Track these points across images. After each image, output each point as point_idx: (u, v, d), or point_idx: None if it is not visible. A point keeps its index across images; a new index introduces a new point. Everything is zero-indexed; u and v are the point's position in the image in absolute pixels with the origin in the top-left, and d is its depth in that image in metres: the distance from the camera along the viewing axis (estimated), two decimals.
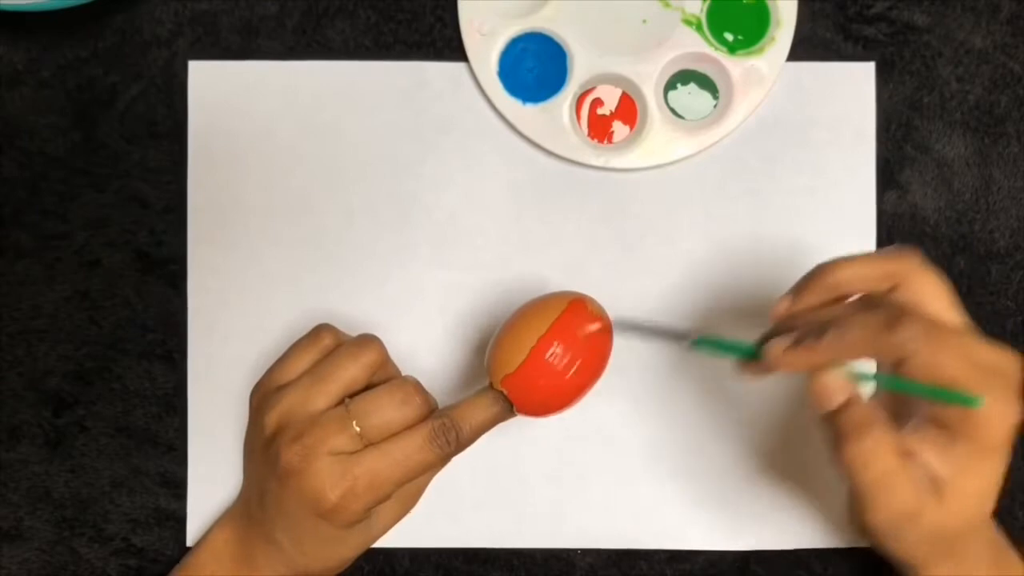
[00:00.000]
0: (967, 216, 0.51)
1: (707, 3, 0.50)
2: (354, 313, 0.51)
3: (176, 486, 0.51)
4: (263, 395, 0.44)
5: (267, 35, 0.51)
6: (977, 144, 0.51)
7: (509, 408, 0.42)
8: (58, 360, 0.51)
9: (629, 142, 0.51)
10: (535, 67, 0.51)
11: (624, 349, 0.51)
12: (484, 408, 0.42)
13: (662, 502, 0.51)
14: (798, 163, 0.51)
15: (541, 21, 0.50)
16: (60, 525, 0.51)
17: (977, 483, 0.38)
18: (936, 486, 0.37)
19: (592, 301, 0.43)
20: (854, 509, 0.38)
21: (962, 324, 0.39)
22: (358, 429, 0.41)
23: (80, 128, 0.51)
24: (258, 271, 0.51)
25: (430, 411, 0.42)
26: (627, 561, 0.51)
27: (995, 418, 0.36)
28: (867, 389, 0.39)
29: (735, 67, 0.50)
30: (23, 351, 0.51)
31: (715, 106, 0.51)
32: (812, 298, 0.40)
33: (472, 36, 0.51)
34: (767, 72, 0.50)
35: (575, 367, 0.41)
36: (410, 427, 0.41)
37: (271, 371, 0.45)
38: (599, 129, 0.51)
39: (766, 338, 0.40)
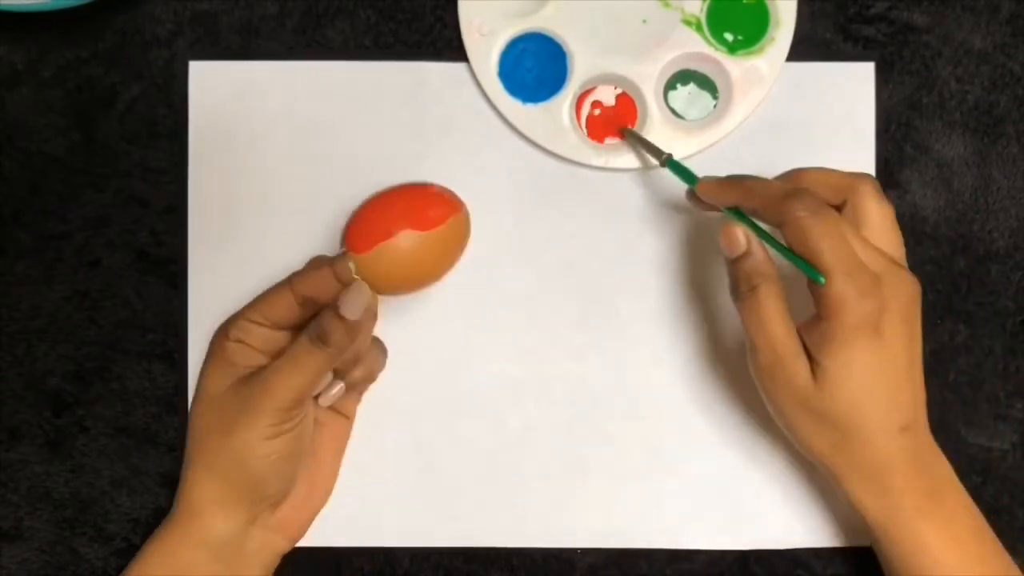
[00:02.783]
0: (967, 216, 0.51)
1: (707, 3, 0.50)
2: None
3: (176, 486, 0.51)
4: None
5: (267, 35, 0.51)
6: (976, 144, 0.51)
7: (345, 257, 0.43)
8: (58, 360, 0.51)
9: (630, 141, 0.51)
10: (535, 67, 0.51)
11: (624, 349, 0.51)
12: (321, 269, 0.44)
13: (662, 502, 0.51)
14: (798, 163, 0.51)
15: (541, 21, 0.50)
16: (60, 525, 0.51)
17: (841, 368, 0.41)
18: (811, 359, 0.42)
19: (448, 192, 0.46)
20: (748, 357, 0.44)
21: (895, 244, 0.44)
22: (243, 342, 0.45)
23: (80, 128, 0.51)
24: (258, 271, 0.51)
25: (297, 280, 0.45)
26: (627, 561, 0.51)
27: (846, 303, 0.40)
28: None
29: (735, 67, 0.50)
30: (23, 351, 0.51)
31: (715, 106, 0.51)
32: (727, 192, 0.45)
33: (472, 36, 0.51)
34: (767, 72, 0.50)
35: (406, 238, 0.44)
36: None
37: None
38: (599, 129, 0.51)
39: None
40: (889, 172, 0.51)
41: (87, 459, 0.51)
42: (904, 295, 0.42)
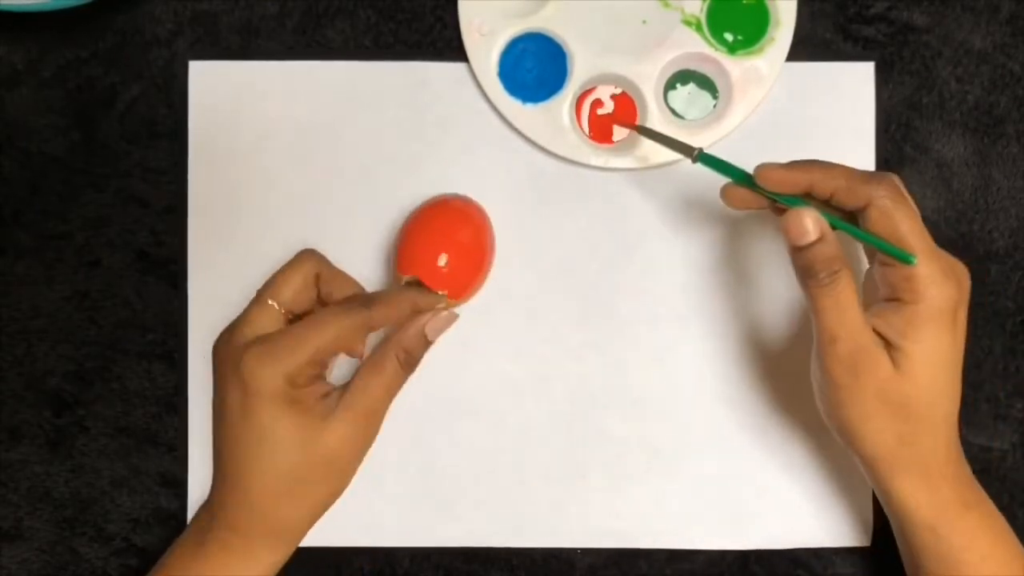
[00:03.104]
0: (966, 216, 0.51)
1: (707, 3, 0.50)
2: None
3: (176, 486, 0.51)
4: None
5: (267, 35, 0.51)
6: (976, 144, 0.51)
7: (422, 290, 0.46)
8: (58, 360, 0.51)
9: (629, 142, 0.51)
10: (535, 67, 0.51)
11: (624, 349, 0.51)
12: (400, 288, 0.46)
13: (662, 502, 0.51)
14: None
15: (541, 21, 0.51)
16: (60, 525, 0.51)
17: (924, 348, 0.41)
18: (891, 347, 0.41)
19: (467, 203, 0.49)
20: (819, 352, 0.42)
21: (926, 245, 0.42)
22: (273, 303, 0.44)
23: (80, 128, 0.51)
24: (258, 271, 0.51)
25: (331, 266, 0.46)
26: (627, 561, 0.51)
27: (932, 285, 0.41)
28: None
29: (735, 67, 0.50)
30: (23, 351, 0.51)
31: (715, 106, 0.51)
32: (798, 176, 0.43)
33: (472, 36, 0.51)
34: (767, 72, 0.50)
35: (446, 255, 0.46)
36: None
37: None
38: (599, 129, 0.51)
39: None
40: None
41: (87, 459, 0.51)
42: (968, 284, 0.43)
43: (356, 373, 0.44)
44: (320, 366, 0.43)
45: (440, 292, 0.46)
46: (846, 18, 0.51)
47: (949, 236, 0.51)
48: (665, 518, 0.51)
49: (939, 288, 0.41)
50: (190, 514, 0.50)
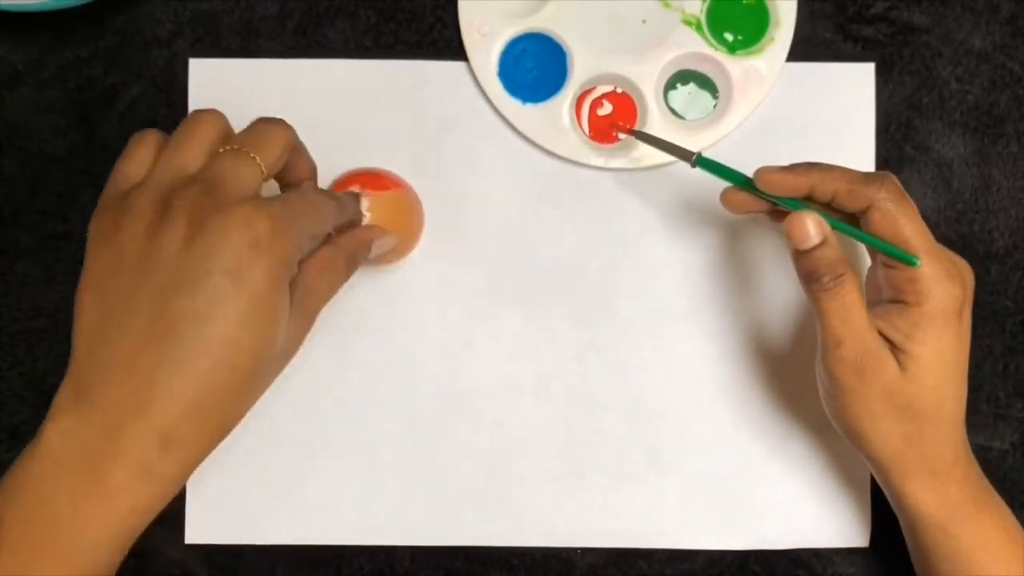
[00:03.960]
0: (967, 216, 0.51)
1: (707, 3, 0.50)
2: (352, 311, 0.51)
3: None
4: (111, 207, 0.37)
5: (267, 35, 0.51)
6: (977, 144, 0.51)
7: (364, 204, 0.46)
8: (58, 360, 0.51)
9: (629, 142, 0.51)
10: (535, 67, 0.51)
11: (623, 350, 0.51)
12: (348, 196, 0.45)
13: (662, 502, 0.51)
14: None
15: (541, 21, 0.51)
16: None
17: (930, 349, 0.41)
18: (896, 349, 0.41)
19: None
20: (824, 355, 0.42)
21: (929, 244, 0.42)
22: (258, 159, 0.38)
23: (80, 128, 0.51)
24: None
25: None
26: (627, 561, 0.51)
27: (936, 286, 0.41)
28: None
29: (735, 67, 0.50)
30: (23, 351, 0.51)
31: (715, 106, 0.51)
32: (798, 179, 0.43)
33: (472, 36, 0.51)
34: (767, 72, 0.50)
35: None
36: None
37: (105, 191, 0.38)
38: (599, 129, 0.51)
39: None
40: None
41: None
42: (972, 280, 0.43)
43: (304, 272, 0.39)
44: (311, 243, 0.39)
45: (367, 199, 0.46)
46: (846, 18, 0.51)
47: (949, 236, 0.51)
48: (665, 518, 0.51)
49: (943, 289, 0.41)
50: (189, 514, 0.50)
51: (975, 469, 0.44)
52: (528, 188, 0.51)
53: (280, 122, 0.41)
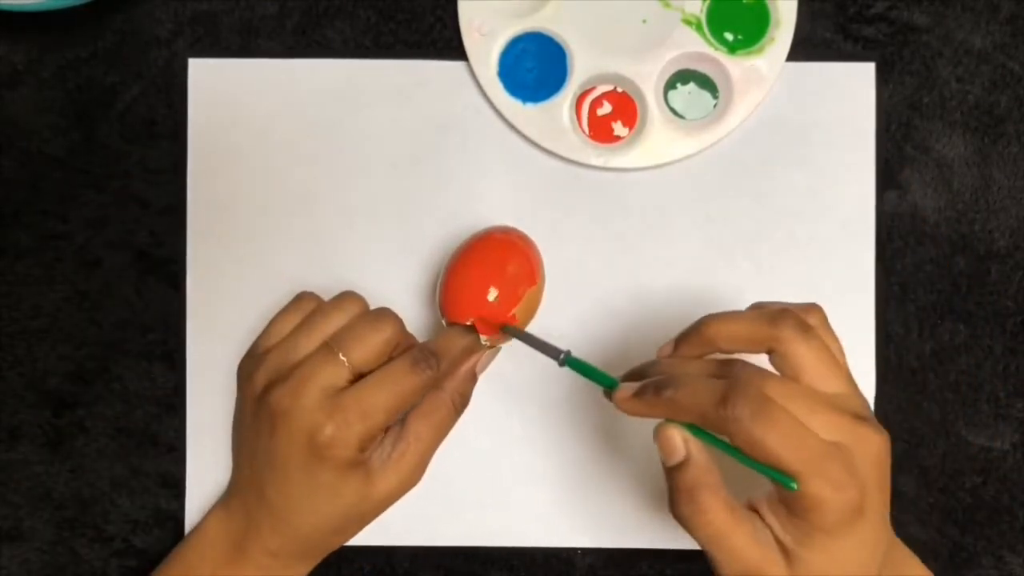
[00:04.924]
0: (967, 216, 0.51)
1: (707, 3, 0.50)
2: None
3: (176, 486, 0.51)
4: (248, 361, 0.45)
5: (267, 35, 0.51)
6: (977, 144, 0.51)
7: (477, 337, 0.45)
8: (58, 360, 0.51)
9: (629, 142, 0.51)
10: (535, 67, 0.51)
11: (623, 349, 0.51)
12: (455, 337, 0.45)
13: (662, 502, 0.51)
14: (798, 163, 0.51)
15: (541, 21, 0.50)
16: (60, 525, 0.51)
17: (823, 558, 0.37)
18: (784, 551, 0.37)
19: (519, 235, 0.47)
20: (708, 559, 0.38)
21: (832, 393, 0.38)
22: (344, 360, 0.42)
23: (80, 128, 0.51)
24: (258, 271, 0.51)
25: (405, 334, 0.45)
26: (627, 561, 0.51)
27: (822, 502, 0.36)
28: None
29: (735, 67, 0.50)
30: (23, 351, 0.51)
31: (715, 106, 0.51)
32: (691, 349, 0.41)
33: (472, 36, 0.51)
34: (767, 72, 0.50)
35: (509, 295, 0.46)
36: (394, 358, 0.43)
37: (256, 341, 0.46)
38: (599, 129, 0.51)
39: (632, 375, 0.41)
40: (889, 172, 0.51)
41: (87, 459, 0.51)
42: (872, 458, 0.37)
43: (409, 421, 0.43)
44: (389, 425, 0.43)
45: (485, 339, 0.45)
46: (846, 18, 0.51)
47: (949, 236, 0.51)
48: (665, 518, 0.51)
49: (832, 503, 0.36)
50: (188, 514, 0.50)
51: None
52: (528, 188, 0.51)
53: (388, 321, 0.43)
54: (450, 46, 0.51)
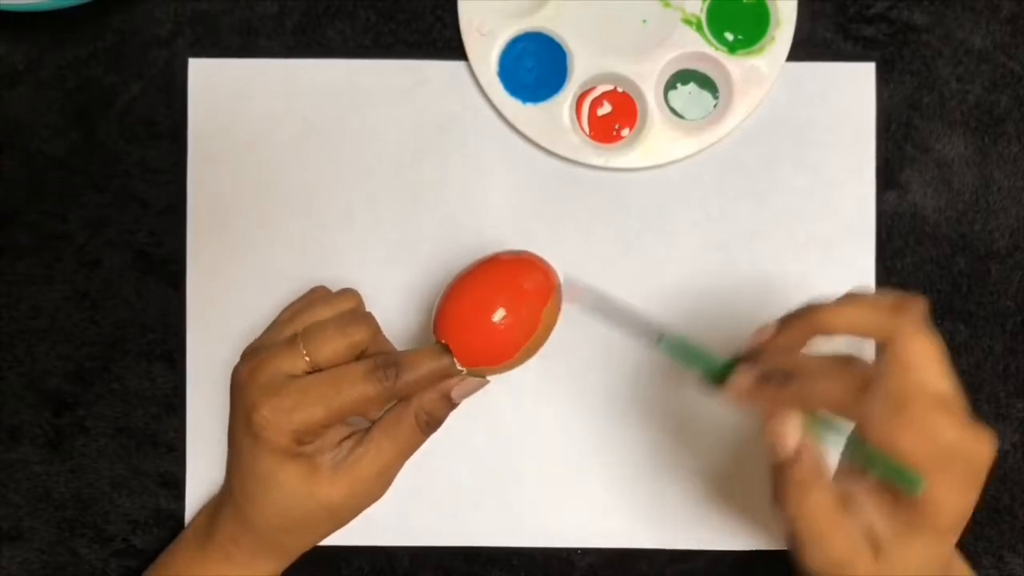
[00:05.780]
0: (967, 216, 0.51)
1: (707, 3, 0.50)
2: None
3: (176, 486, 0.51)
4: (242, 356, 0.44)
5: (267, 35, 0.51)
6: (977, 144, 0.51)
7: (451, 360, 0.42)
8: (58, 360, 0.51)
9: (629, 142, 0.51)
10: (535, 67, 0.51)
11: (623, 348, 0.51)
12: (426, 355, 0.41)
13: (662, 502, 0.51)
14: (798, 163, 0.51)
15: (541, 21, 0.50)
16: (60, 525, 0.51)
17: (915, 555, 0.37)
18: (874, 543, 0.37)
19: (538, 260, 0.44)
20: (793, 551, 0.38)
21: (947, 393, 0.37)
22: (306, 355, 0.41)
23: (80, 128, 0.51)
24: (258, 271, 0.51)
25: (380, 340, 0.44)
26: (627, 561, 0.51)
27: (943, 505, 0.36)
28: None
29: (735, 67, 0.50)
30: (23, 351, 0.51)
31: (715, 106, 0.51)
32: (797, 335, 0.39)
33: (472, 36, 0.51)
34: (767, 72, 0.50)
35: (505, 317, 0.42)
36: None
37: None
38: (599, 129, 0.51)
39: (735, 360, 0.40)
40: (889, 172, 0.51)
41: (87, 459, 0.51)
42: (986, 461, 0.37)
43: (372, 430, 0.42)
44: (333, 425, 0.42)
45: (462, 368, 0.42)
46: (846, 18, 0.51)
47: (949, 236, 0.51)
48: (665, 518, 0.51)
49: (950, 509, 0.36)
50: (188, 515, 0.50)
51: None
52: (528, 188, 0.51)
53: (360, 326, 0.42)
54: (450, 46, 0.51)
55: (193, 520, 0.49)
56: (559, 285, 0.44)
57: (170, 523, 0.51)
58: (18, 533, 0.51)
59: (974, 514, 0.51)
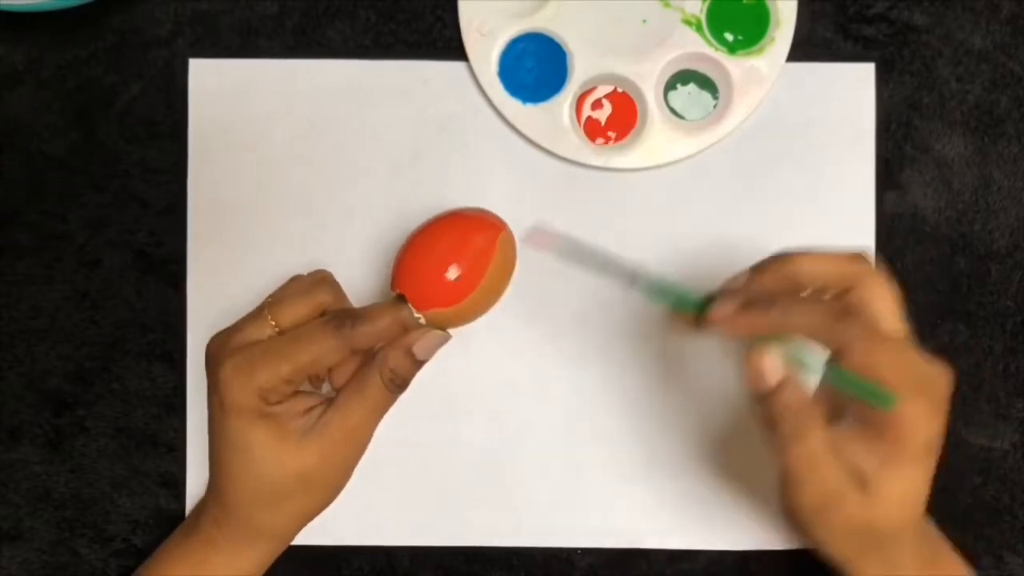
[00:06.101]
0: (967, 216, 0.51)
1: (707, 3, 0.50)
2: None
3: (176, 486, 0.51)
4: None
5: (267, 35, 0.51)
6: (977, 144, 0.51)
7: (408, 309, 0.42)
8: (58, 360, 0.51)
9: (629, 142, 0.51)
10: (535, 67, 0.51)
11: (623, 349, 0.51)
12: (382, 305, 0.42)
13: (662, 502, 0.51)
14: (798, 163, 0.51)
15: (541, 21, 0.50)
16: (60, 525, 0.51)
17: (901, 485, 0.38)
18: (861, 480, 0.38)
19: (487, 212, 0.45)
20: (782, 490, 0.39)
21: (904, 334, 0.40)
22: (272, 321, 0.42)
23: (80, 128, 0.51)
24: (258, 270, 0.51)
25: (342, 302, 0.44)
26: (627, 561, 0.51)
27: (918, 424, 0.38)
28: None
29: (735, 67, 0.50)
30: (23, 351, 0.51)
31: (715, 106, 0.51)
32: (769, 281, 0.41)
33: (472, 36, 0.51)
34: (767, 72, 0.50)
35: (454, 262, 0.43)
36: None
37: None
38: (599, 129, 0.51)
39: (712, 297, 0.40)
40: (889, 172, 0.51)
41: (87, 459, 0.51)
42: (948, 391, 0.39)
43: (339, 394, 0.43)
44: (298, 383, 0.42)
45: (417, 315, 0.42)
46: (846, 18, 0.51)
47: (949, 236, 0.51)
48: (665, 518, 0.51)
49: (924, 427, 0.38)
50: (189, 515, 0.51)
51: (927, 548, 0.42)
52: (528, 188, 0.51)
53: (321, 288, 0.43)
54: (450, 46, 0.51)
55: (188, 514, 0.50)
56: (508, 228, 0.45)
57: (170, 523, 0.51)
58: (18, 533, 0.51)
59: (974, 514, 0.51)
